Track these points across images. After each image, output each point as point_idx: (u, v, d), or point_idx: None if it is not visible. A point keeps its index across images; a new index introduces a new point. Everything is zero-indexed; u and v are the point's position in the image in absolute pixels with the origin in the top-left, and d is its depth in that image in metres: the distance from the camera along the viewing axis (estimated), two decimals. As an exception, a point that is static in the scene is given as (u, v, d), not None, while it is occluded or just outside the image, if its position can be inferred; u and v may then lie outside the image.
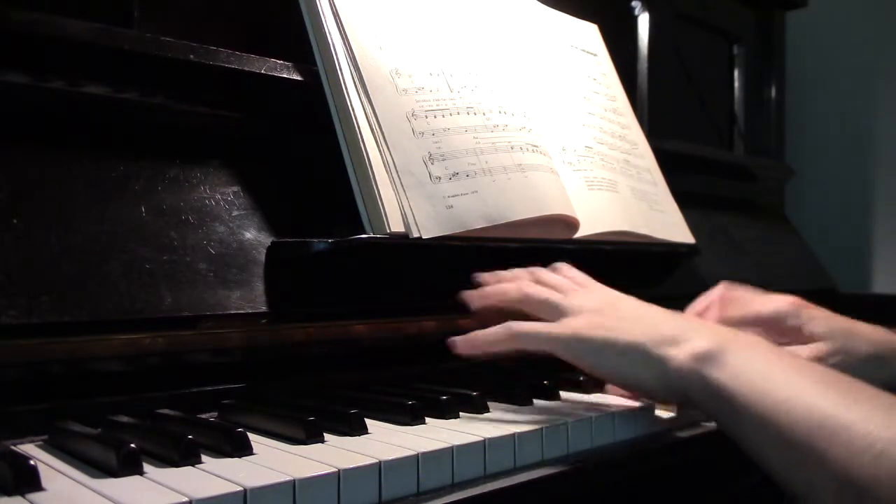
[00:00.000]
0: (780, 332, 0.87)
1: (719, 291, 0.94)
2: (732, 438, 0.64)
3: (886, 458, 0.54)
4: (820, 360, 0.83)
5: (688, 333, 0.68)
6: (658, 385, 0.68)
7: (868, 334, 0.89)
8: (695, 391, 0.66)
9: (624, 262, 1.08)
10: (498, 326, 0.73)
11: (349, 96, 0.82)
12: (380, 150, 0.81)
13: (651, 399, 0.76)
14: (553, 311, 0.73)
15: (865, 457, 0.55)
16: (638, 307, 0.74)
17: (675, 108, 1.52)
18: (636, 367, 0.68)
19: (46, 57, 0.71)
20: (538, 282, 0.78)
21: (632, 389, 0.74)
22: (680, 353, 0.67)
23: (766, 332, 0.84)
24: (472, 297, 0.78)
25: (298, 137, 0.87)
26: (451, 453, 0.58)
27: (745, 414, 0.62)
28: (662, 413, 0.76)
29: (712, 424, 0.72)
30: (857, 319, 0.92)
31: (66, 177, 0.70)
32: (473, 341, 0.73)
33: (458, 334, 0.74)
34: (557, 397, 0.79)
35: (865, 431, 0.56)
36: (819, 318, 0.89)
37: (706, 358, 0.65)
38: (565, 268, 0.81)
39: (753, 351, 0.66)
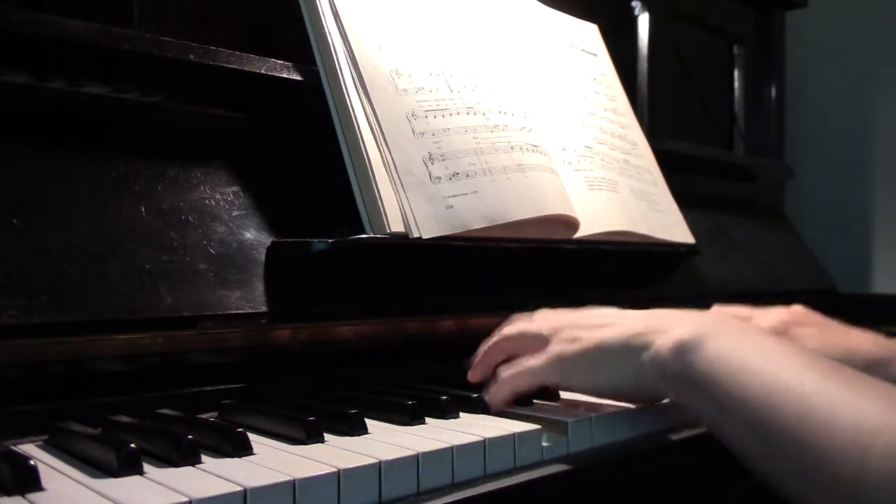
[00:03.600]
0: None
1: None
2: (715, 433, 0.61)
3: (875, 452, 0.50)
4: None
5: (665, 324, 0.66)
6: (635, 382, 0.66)
7: (862, 347, 0.86)
8: (672, 382, 0.63)
9: (624, 262, 1.08)
10: (494, 382, 0.73)
11: (349, 96, 0.81)
12: (380, 150, 0.81)
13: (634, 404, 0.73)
14: (535, 341, 0.73)
15: (852, 450, 0.51)
16: (613, 313, 0.72)
17: (675, 108, 1.52)
18: (611, 368, 0.67)
19: (46, 57, 0.71)
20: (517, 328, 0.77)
21: (615, 399, 0.72)
22: (656, 343, 0.64)
23: None
24: (471, 376, 0.78)
25: (298, 137, 0.87)
26: (451, 453, 0.58)
27: (725, 404, 0.59)
28: None
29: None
30: (856, 321, 0.91)
31: (66, 177, 0.70)
32: (492, 403, 0.73)
33: (459, 334, 0.74)
34: (557, 397, 0.79)
35: (853, 423, 0.52)
36: (810, 336, 0.87)
37: (686, 347, 0.63)
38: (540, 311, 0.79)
39: (736, 337, 0.63)
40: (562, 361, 0.70)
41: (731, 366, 0.60)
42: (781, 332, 0.87)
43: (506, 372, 0.73)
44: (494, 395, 0.73)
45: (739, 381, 0.59)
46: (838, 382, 0.56)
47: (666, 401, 0.73)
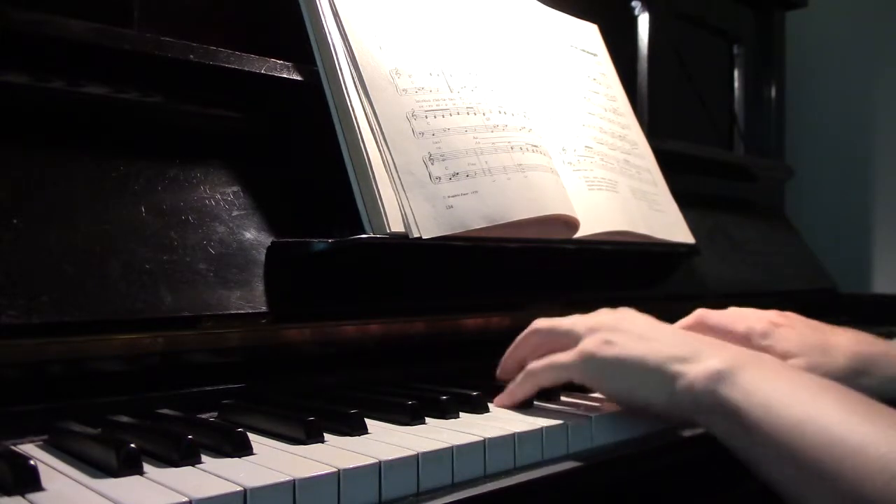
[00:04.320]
0: (754, 350, 0.86)
1: (695, 317, 0.91)
2: (744, 461, 0.63)
3: None
4: None
5: (700, 352, 0.67)
6: (666, 404, 0.67)
7: (844, 346, 0.87)
8: (706, 411, 0.65)
9: (624, 262, 1.08)
10: (520, 374, 0.74)
11: (349, 96, 0.82)
12: (380, 150, 0.81)
13: (660, 420, 0.73)
14: (566, 337, 0.73)
15: (879, 480, 0.54)
16: (649, 324, 0.73)
17: (675, 108, 1.53)
18: (645, 385, 0.68)
19: (46, 57, 0.71)
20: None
21: (642, 410, 0.71)
22: (691, 372, 0.65)
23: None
24: (499, 373, 0.80)
25: (298, 137, 0.87)
26: (451, 453, 0.58)
27: (757, 434, 0.61)
28: None
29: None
30: (856, 321, 0.90)
31: (66, 177, 0.70)
32: (510, 397, 0.74)
33: (458, 334, 0.74)
34: (558, 397, 0.79)
35: (879, 454, 0.55)
36: (791, 337, 0.87)
37: (719, 377, 0.64)
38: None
39: (767, 370, 0.65)
40: (593, 362, 0.70)
41: (763, 397, 0.62)
42: (763, 333, 0.87)
43: (534, 365, 0.73)
44: (518, 388, 0.74)
45: (771, 412, 0.61)
46: (865, 415, 0.59)
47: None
